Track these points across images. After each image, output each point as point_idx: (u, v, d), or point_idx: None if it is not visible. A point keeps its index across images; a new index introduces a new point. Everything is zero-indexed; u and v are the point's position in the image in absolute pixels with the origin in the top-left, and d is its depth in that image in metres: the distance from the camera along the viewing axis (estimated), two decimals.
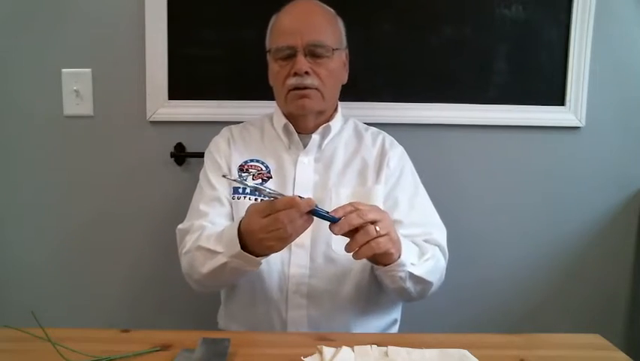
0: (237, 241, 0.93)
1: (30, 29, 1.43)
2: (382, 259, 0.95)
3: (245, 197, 1.11)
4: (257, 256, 0.94)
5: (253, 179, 1.13)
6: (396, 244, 0.94)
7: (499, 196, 1.53)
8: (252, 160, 1.16)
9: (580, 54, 1.45)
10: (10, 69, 1.44)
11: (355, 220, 0.87)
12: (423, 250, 1.05)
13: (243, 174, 1.13)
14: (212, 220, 1.09)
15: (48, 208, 1.50)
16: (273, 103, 1.35)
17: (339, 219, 0.87)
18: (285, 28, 1.11)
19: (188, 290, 1.47)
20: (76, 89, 1.45)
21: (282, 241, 0.89)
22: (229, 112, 1.43)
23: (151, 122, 1.46)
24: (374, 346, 0.83)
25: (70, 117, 1.47)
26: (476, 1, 1.45)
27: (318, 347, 0.82)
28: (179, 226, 1.14)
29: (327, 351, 0.81)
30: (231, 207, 1.12)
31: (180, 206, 1.48)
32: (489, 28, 1.46)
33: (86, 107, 1.46)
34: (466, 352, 0.82)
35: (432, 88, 1.47)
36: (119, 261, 1.53)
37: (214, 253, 0.98)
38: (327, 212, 0.88)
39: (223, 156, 1.17)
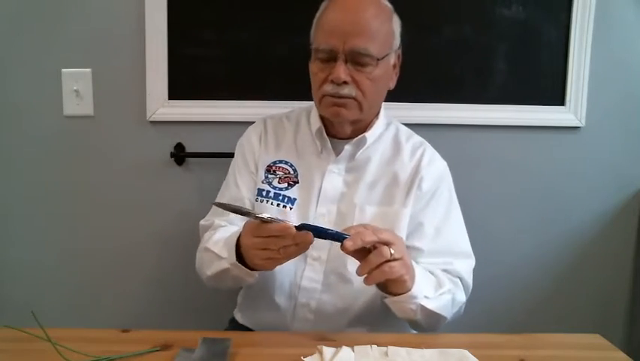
0: (234, 252, 0.92)
1: (30, 29, 1.43)
2: (394, 287, 0.89)
3: (268, 201, 1.08)
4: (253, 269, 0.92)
5: (279, 182, 1.08)
6: (410, 270, 0.89)
7: (498, 196, 1.53)
8: (280, 161, 1.10)
9: (580, 54, 1.45)
10: (10, 69, 1.44)
11: (369, 237, 0.82)
12: (440, 282, 0.98)
13: (270, 175, 1.09)
14: (232, 221, 1.07)
15: (48, 208, 1.50)
16: (273, 103, 1.35)
17: (348, 236, 0.82)
18: (329, 26, 1.00)
19: (189, 290, 1.48)
20: (76, 89, 1.45)
21: (272, 261, 0.87)
22: (229, 112, 1.43)
23: (151, 122, 1.46)
24: (374, 346, 0.83)
25: (70, 117, 1.47)
26: (476, 1, 1.45)
27: (318, 347, 0.82)
28: (201, 222, 1.13)
29: (327, 351, 0.81)
30: (254, 209, 1.09)
31: (180, 206, 1.48)
32: (489, 28, 1.45)
33: (86, 107, 1.46)
34: (466, 352, 0.82)
35: (432, 88, 1.47)
36: (119, 261, 1.52)
37: (219, 257, 0.98)
38: (335, 231, 0.84)
39: (252, 155, 1.12)
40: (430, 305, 0.93)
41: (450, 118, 1.47)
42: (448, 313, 0.98)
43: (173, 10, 1.41)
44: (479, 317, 1.53)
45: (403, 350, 0.82)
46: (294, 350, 0.81)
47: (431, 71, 1.46)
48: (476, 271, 1.52)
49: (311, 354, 0.81)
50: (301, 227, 0.83)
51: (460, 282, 1.03)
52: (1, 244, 1.52)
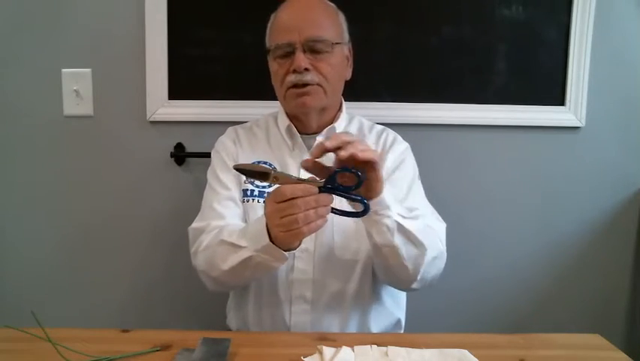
0: (266, 233, 0.90)
1: (30, 29, 1.43)
2: (367, 190, 0.87)
3: (254, 200, 1.10)
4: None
5: (260, 182, 1.10)
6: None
7: (498, 196, 1.53)
8: (259, 162, 1.13)
9: (580, 54, 1.45)
10: (10, 69, 1.45)
11: (343, 146, 0.82)
12: (410, 208, 0.97)
13: (249, 177, 1.10)
14: (229, 222, 1.07)
15: (48, 208, 1.51)
16: (273, 103, 1.35)
17: (366, 201, 0.85)
18: (282, 25, 1.09)
19: (189, 290, 1.47)
20: (76, 89, 1.45)
21: (294, 233, 0.85)
22: (229, 112, 1.43)
23: (151, 122, 1.46)
24: (374, 346, 0.83)
25: (70, 117, 1.47)
26: (476, 1, 1.45)
27: (318, 347, 0.82)
28: (193, 225, 1.10)
29: (327, 351, 0.81)
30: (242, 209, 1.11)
31: (180, 206, 1.48)
32: (489, 28, 1.45)
33: (86, 107, 1.46)
34: (466, 352, 0.82)
35: (432, 88, 1.47)
36: (119, 261, 1.53)
37: (238, 247, 0.95)
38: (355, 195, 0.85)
39: (231, 156, 1.15)
40: (407, 224, 0.91)
41: (450, 118, 1.47)
42: (427, 241, 0.94)
43: (173, 10, 1.42)
44: (479, 317, 1.54)
45: (403, 350, 0.82)
46: (294, 350, 0.82)
47: (431, 71, 1.46)
48: (476, 271, 1.52)
49: (311, 354, 0.81)
50: (323, 190, 0.84)
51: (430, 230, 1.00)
52: (1, 244, 1.52)
